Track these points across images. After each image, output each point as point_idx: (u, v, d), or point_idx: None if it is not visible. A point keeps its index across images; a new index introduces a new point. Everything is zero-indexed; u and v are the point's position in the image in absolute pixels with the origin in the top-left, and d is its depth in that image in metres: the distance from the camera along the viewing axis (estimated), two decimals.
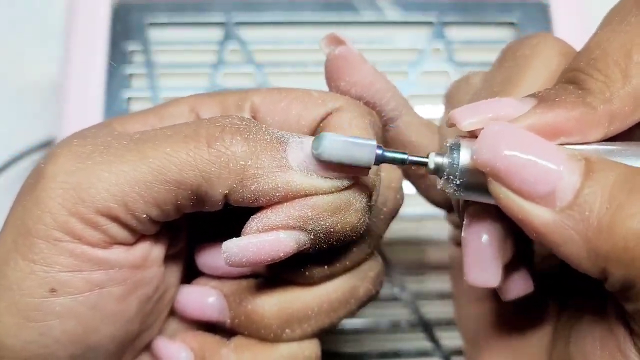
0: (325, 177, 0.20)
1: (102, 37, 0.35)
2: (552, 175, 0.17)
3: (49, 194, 0.20)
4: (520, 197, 0.18)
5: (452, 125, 0.19)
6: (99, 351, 0.21)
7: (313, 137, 0.20)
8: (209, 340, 0.24)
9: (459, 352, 0.32)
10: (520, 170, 0.17)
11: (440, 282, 0.33)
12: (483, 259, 0.20)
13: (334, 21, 0.36)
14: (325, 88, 0.24)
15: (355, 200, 0.21)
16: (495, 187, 0.18)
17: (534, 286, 0.21)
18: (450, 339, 0.32)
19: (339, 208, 0.21)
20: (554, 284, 0.23)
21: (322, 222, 0.20)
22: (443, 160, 0.19)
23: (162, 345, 0.24)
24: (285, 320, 0.23)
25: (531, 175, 0.17)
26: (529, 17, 0.37)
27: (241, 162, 0.20)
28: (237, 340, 0.23)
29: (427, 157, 0.20)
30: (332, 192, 0.20)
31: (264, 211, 0.20)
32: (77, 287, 0.20)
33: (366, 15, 0.36)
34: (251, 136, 0.20)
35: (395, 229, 0.34)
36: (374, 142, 0.19)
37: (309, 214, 0.20)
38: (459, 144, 0.19)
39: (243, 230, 0.20)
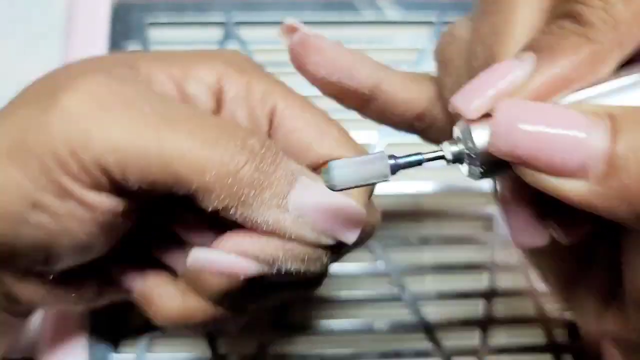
0: (313, 231, 0.21)
1: (102, 37, 0.35)
2: (579, 146, 0.16)
3: (57, 126, 0.20)
4: (548, 176, 0.17)
5: (457, 115, 0.18)
6: (55, 255, 0.22)
7: (319, 182, 0.20)
8: (163, 275, 0.25)
9: (460, 353, 0.32)
10: (544, 152, 0.16)
11: (440, 283, 0.33)
12: (525, 227, 0.20)
13: (334, 21, 0.36)
14: None
15: (326, 256, 0.22)
16: (522, 171, 0.17)
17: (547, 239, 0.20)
18: (451, 340, 0.32)
19: (310, 259, 0.21)
20: None
21: (289, 264, 0.21)
22: (459, 148, 0.18)
23: (120, 264, 0.25)
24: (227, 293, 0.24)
25: (557, 154, 0.16)
26: None
27: (245, 190, 0.20)
28: (184, 286, 0.24)
29: (440, 150, 0.19)
30: (311, 246, 0.21)
31: (242, 234, 0.21)
32: (55, 210, 0.21)
33: (366, 15, 0.36)
34: (264, 167, 0.20)
35: (396, 229, 0.34)
36: (384, 153, 0.18)
37: (280, 255, 0.21)
38: (469, 129, 0.18)
39: (216, 242, 0.21)
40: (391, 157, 0.18)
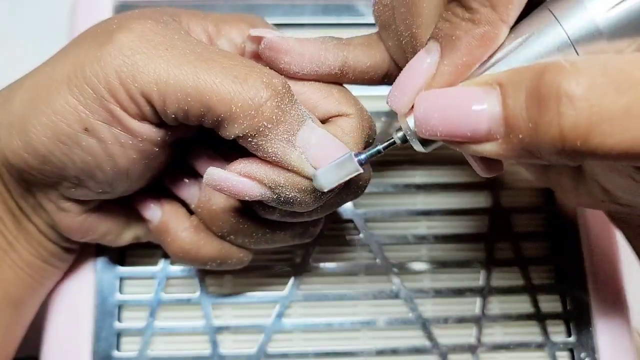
0: (311, 167, 0.24)
1: None
2: (481, 117, 0.20)
3: (111, 59, 0.23)
4: (469, 145, 0.20)
5: (398, 113, 0.22)
6: (96, 181, 0.26)
7: (323, 127, 0.25)
8: (180, 210, 0.29)
9: (456, 350, 0.32)
10: (457, 130, 0.20)
11: (437, 280, 0.33)
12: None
13: (334, 23, 0.36)
14: None
15: (321, 192, 0.24)
16: (453, 146, 0.21)
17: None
18: (448, 337, 0.33)
19: (306, 191, 0.24)
20: None
21: (287, 193, 0.24)
22: (403, 134, 0.23)
23: (143, 198, 0.29)
24: (234, 230, 0.28)
25: (467, 128, 0.20)
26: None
27: (264, 122, 0.23)
28: (197, 222, 0.29)
29: (392, 138, 0.23)
30: (309, 179, 0.24)
31: (251, 161, 0.24)
32: (105, 136, 0.24)
33: (366, 17, 0.37)
34: (282, 105, 0.23)
35: (393, 227, 0.34)
36: (350, 153, 0.23)
37: (282, 182, 0.24)
38: (405, 121, 0.22)
39: (229, 166, 0.24)
40: (357, 154, 0.23)
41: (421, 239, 0.34)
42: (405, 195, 0.34)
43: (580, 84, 0.18)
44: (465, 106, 0.20)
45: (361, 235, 0.33)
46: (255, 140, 0.23)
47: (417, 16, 0.23)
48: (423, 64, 0.21)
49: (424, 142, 0.22)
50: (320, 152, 0.24)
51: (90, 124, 0.24)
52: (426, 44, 0.22)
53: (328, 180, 0.23)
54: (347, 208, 0.34)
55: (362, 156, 0.23)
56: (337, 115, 0.26)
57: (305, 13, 0.36)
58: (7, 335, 0.29)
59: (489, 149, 0.20)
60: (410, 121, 0.22)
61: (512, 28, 0.21)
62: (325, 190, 0.24)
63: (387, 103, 0.22)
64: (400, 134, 0.23)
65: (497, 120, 0.19)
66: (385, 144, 0.23)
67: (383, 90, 0.26)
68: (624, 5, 0.19)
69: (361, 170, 0.23)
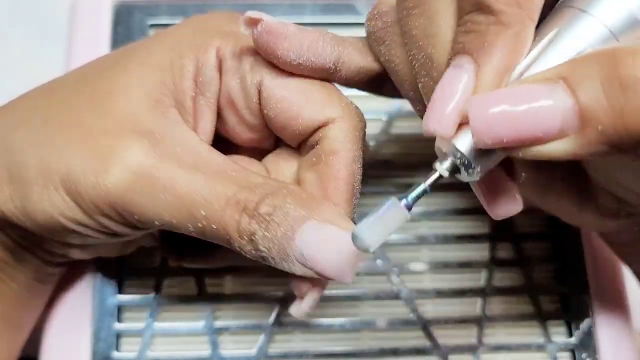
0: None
1: (104, 39, 0.35)
2: (551, 113, 0.18)
3: (104, 191, 0.23)
4: (541, 146, 0.19)
5: (440, 142, 0.21)
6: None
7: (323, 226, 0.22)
8: None
9: (457, 351, 0.32)
10: (525, 130, 0.18)
11: (438, 281, 0.33)
12: (503, 199, 0.22)
13: (334, 23, 0.36)
14: None
15: None
16: (515, 153, 0.19)
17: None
18: (449, 338, 0.33)
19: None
20: None
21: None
22: (450, 163, 0.20)
23: None
24: None
25: (537, 127, 0.18)
26: None
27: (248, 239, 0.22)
28: None
29: (436, 171, 0.21)
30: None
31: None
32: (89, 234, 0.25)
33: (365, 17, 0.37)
34: (270, 226, 0.22)
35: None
36: (395, 199, 0.20)
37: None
38: (453, 144, 0.20)
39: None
40: (401, 199, 0.20)
41: (422, 239, 0.34)
42: None
43: None
44: (529, 103, 0.18)
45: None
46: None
47: (433, 37, 0.22)
48: (459, 79, 0.20)
49: (480, 165, 0.20)
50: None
51: (79, 229, 0.24)
52: (449, 61, 0.21)
53: (375, 237, 0.20)
54: None
55: (409, 199, 0.20)
56: (324, 125, 0.25)
57: (304, 13, 0.36)
58: (8, 353, 0.30)
59: (560, 148, 0.19)
60: (460, 143, 0.20)
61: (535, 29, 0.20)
62: (371, 251, 0.20)
63: (426, 131, 0.20)
64: (446, 163, 0.20)
65: (569, 115, 0.18)
66: (430, 180, 0.21)
67: None
68: None
69: (408, 218, 0.20)
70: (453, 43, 0.21)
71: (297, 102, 0.25)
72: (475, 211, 0.34)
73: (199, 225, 0.22)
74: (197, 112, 0.26)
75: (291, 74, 0.25)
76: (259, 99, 0.25)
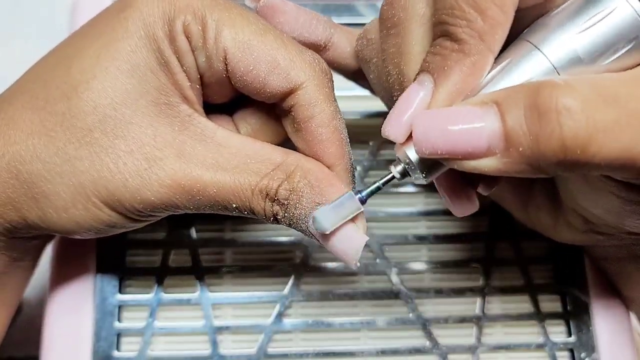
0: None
1: None
2: (481, 134, 0.21)
3: (125, 184, 0.25)
4: (469, 161, 0.21)
5: (396, 148, 0.23)
6: None
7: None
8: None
9: (456, 350, 0.33)
10: (458, 147, 0.21)
11: (438, 280, 0.34)
12: (462, 200, 0.25)
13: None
14: None
15: None
16: (452, 164, 0.22)
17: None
18: (448, 337, 0.33)
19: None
20: None
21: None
22: (402, 166, 0.23)
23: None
24: None
25: (467, 145, 0.21)
26: None
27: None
28: None
29: (390, 173, 0.24)
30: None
31: None
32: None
33: (366, 17, 0.37)
34: (288, 208, 0.25)
35: (393, 227, 0.34)
36: (351, 193, 0.24)
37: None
38: (403, 150, 0.23)
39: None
40: (357, 193, 0.24)
41: (421, 239, 0.34)
42: (405, 195, 0.34)
43: (576, 99, 0.19)
44: (465, 123, 0.21)
45: None
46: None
47: (405, 54, 0.24)
48: (417, 94, 0.23)
49: (425, 172, 0.23)
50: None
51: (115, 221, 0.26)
52: (416, 77, 0.23)
53: (328, 222, 0.23)
54: None
55: (363, 194, 0.24)
56: (292, 92, 0.25)
57: None
58: None
59: (488, 164, 0.21)
60: (410, 151, 0.23)
61: (496, 59, 0.23)
62: (327, 233, 0.24)
63: (383, 134, 0.23)
64: (399, 167, 0.24)
65: (496, 136, 0.20)
66: (384, 179, 0.24)
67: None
68: (593, 31, 0.21)
69: (362, 209, 0.24)
70: (422, 61, 0.23)
71: (261, 74, 0.25)
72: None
73: (234, 212, 0.26)
74: (197, 97, 0.27)
75: (254, 37, 0.25)
76: (227, 70, 0.26)
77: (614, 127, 0.19)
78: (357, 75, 0.30)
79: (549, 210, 0.30)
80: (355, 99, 0.35)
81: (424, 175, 0.23)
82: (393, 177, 0.24)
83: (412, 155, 0.23)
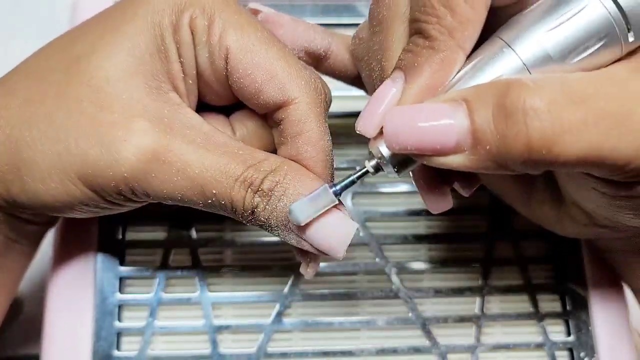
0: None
1: None
2: (450, 131, 0.21)
3: (122, 167, 0.24)
4: (438, 157, 0.21)
5: (370, 144, 0.23)
6: None
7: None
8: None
9: (455, 350, 0.33)
10: (426, 143, 0.21)
11: (437, 280, 0.34)
12: (436, 197, 0.25)
13: (334, 23, 0.36)
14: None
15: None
16: (421, 160, 0.22)
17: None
18: (447, 337, 0.33)
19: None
20: None
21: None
22: (375, 161, 0.23)
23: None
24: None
25: (435, 141, 0.21)
26: None
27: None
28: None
29: (364, 168, 0.24)
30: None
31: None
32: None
33: (366, 18, 0.37)
34: (271, 200, 0.24)
35: (392, 227, 0.34)
36: (325, 186, 0.24)
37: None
38: (376, 145, 0.23)
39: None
40: (331, 186, 0.24)
41: (420, 239, 0.34)
42: (405, 195, 0.34)
43: (543, 99, 0.20)
44: (433, 120, 0.21)
45: (361, 235, 0.34)
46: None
47: (386, 50, 0.25)
48: (390, 90, 0.23)
49: (397, 167, 0.23)
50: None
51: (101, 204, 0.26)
52: (390, 74, 0.23)
53: (303, 214, 0.23)
54: (347, 208, 0.34)
55: (337, 187, 0.24)
56: (284, 105, 0.26)
57: (304, 13, 0.36)
58: None
59: (456, 160, 0.21)
60: (382, 147, 0.23)
61: (469, 56, 0.23)
62: (302, 224, 0.24)
63: (357, 129, 0.23)
64: (372, 162, 0.24)
65: (464, 133, 0.21)
66: (358, 174, 0.24)
67: None
68: (564, 29, 0.21)
69: (336, 202, 0.24)
70: (398, 58, 0.23)
71: (259, 80, 0.25)
72: (474, 210, 0.34)
73: (209, 201, 0.25)
74: (188, 92, 0.27)
75: (258, 44, 0.26)
76: (226, 69, 0.26)
77: (580, 126, 0.20)
78: (356, 81, 0.30)
79: (552, 204, 0.30)
80: (354, 99, 0.35)
81: (395, 169, 0.23)
82: (367, 172, 0.24)
83: (384, 150, 0.23)
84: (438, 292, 0.33)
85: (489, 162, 0.21)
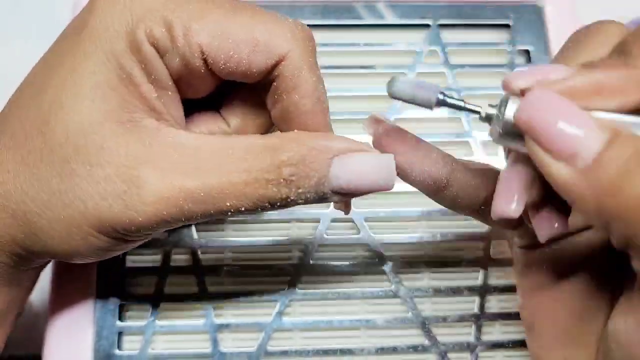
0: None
1: None
2: (577, 140, 0.19)
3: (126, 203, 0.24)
4: (547, 154, 0.20)
5: (506, 86, 0.22)
6: None
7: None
8: None
9: (455, 349, 0.33)
10: (549, 133, 0.20)
11: (436, 279, 0.34)
12: (510, 192, 0.22)
13: (333, 24, 0.36)
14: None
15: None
16: (529, 143, 0.20)
17: (567, 226, 0.23)
18: (447, 336, 0.33)
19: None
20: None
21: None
22: (493, 111, 0.22)
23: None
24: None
25: (558, 138, 0.19)
26: (524, 19, 0.37)
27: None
28: None
29: (480, 107, 0.22)
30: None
31: None
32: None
33: (365, 18, 0.37)
34: (302, 180, 0.24)
35: (392, 227, 0.34)
36: (438, 87, 0.22)
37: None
38: (508, 99, 0.21)
39: None
40: (442, 92, 0.22)
41: (420, 238, 0.34)
42: (405, 194, 0.34)
43: None
44: (569, 122, 0.19)
45: (361, 234, 0.34)
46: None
47: (573, 60, 0.23)
48: (560, 68, 0.21)
49: (504, 131, 0.21)
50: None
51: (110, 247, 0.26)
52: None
53: (401, 91, 0.22)
54: None
55: (446, 96, 0.22)
56: (277, 63, 0.25)
57: (304, 14, 0.36)
58: None
59: (560, 168, 0.20)
60: (512, 105, 0.21)
61: None
62: (393, 97, 0.23)
63: (504, 87, 0.21)
64: (490, 110, 0.22)
65: (589, 152, 0.19)
66: (470, 107, 0.22)
67: None
68: None
69: (433, 104, 0.22)
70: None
71: (243, 55, 0.24)
72: None
73: (230, 212, 0.24)
74: (167, 106, 0.26)
75: (226, 21, 0.24)
76: (205, 64, 0.25)
77: None
78: (475, 214, 0.27)
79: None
80: (354, 99, 0.35)
81: (500, 133, 0.21)
82: (477, 112, 0.22)
83: (510, 110, 0.21)
84: (437, 292, 0.33)
85: (590, 194, 0.19)
